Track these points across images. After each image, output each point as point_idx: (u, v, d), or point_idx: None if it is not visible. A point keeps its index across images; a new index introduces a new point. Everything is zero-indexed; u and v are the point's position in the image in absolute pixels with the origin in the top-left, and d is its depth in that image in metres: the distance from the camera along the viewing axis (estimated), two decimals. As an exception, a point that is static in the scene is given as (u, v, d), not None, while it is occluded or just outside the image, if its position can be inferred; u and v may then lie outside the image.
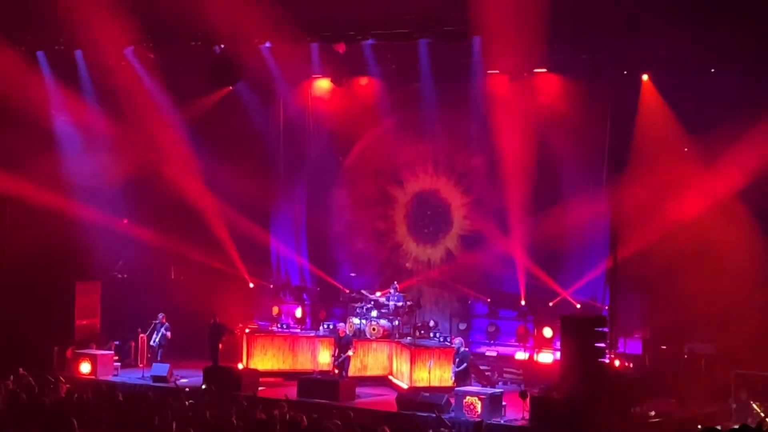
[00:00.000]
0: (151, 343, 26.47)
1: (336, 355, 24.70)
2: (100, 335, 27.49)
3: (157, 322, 26.53)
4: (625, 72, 24.38)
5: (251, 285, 29.08)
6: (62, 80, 27.64)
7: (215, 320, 25.88)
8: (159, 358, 26.13)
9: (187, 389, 21.27)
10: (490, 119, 26.15)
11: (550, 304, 25.72)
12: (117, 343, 27.08)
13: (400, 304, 26.13)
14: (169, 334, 26.44)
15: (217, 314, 26.00)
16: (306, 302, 29.12)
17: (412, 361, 24.29)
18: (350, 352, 24.62)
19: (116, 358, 26.31)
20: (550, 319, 24.86)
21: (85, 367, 25.47)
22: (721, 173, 22.95)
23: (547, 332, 25.45)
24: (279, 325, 27.61)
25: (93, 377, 24.86)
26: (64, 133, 28.19)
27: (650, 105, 24.14)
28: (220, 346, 25.82)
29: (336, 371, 24.49)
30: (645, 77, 24.40)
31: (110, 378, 25.03)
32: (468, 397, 21.32)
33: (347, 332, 25.30)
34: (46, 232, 26.58)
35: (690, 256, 23.00)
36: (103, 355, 25.93)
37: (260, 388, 23.85)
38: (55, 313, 27.07)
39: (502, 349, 26.12)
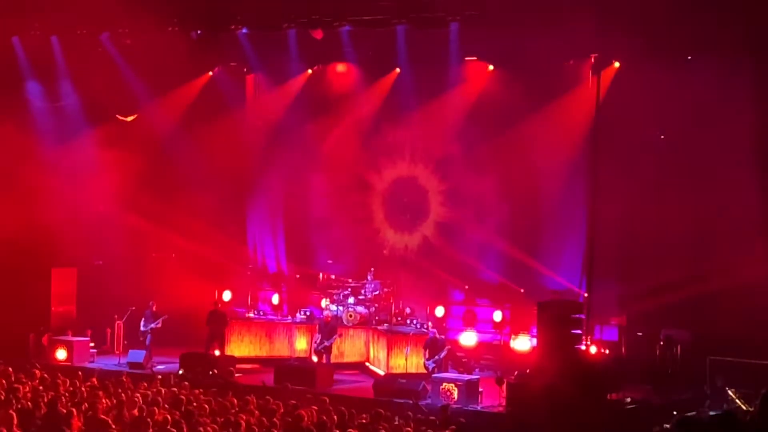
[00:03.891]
0: (142, 328, 26.14)
1: (319, 341, 24.65)
2: (76, 322, 27.35)
3: (147, 310, 26.29)
4: (601, 58, 24.46)
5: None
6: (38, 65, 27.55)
7: (217, 307, 25.67)
8: (148, 344, 25.88)
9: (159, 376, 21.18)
10: (467, 106, 26.18)
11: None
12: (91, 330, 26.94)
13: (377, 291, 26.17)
14: (159, 325, 26.17)
15: (219, 302, 25.74)
16: (283, 289, 29.02)
17: (389, 348, 24.32)
18: (335, 337, 24.60)
19: (92, 344, 26.20)
20: (526, 304, 24.84)
21: (61, 354, 25.38)
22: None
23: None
24: (256, 312, 27.53)
25: (69, 364, 24.75)
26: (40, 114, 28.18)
27: (622, 91, 24.10)
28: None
29: (315, 357, 24.46)
30: (616, 64, 24.44)
31: (86, 365, 24.93)
32: (445, 384, 21.38)
33: (331, 318, 25.23)
34: (20, 217, 26.35)
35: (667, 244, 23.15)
36: (79, 341, 25.85)
37: (237, 375, 23.83)
38: (31, 299, 26.87)
39: (478, 336, 26.13)
